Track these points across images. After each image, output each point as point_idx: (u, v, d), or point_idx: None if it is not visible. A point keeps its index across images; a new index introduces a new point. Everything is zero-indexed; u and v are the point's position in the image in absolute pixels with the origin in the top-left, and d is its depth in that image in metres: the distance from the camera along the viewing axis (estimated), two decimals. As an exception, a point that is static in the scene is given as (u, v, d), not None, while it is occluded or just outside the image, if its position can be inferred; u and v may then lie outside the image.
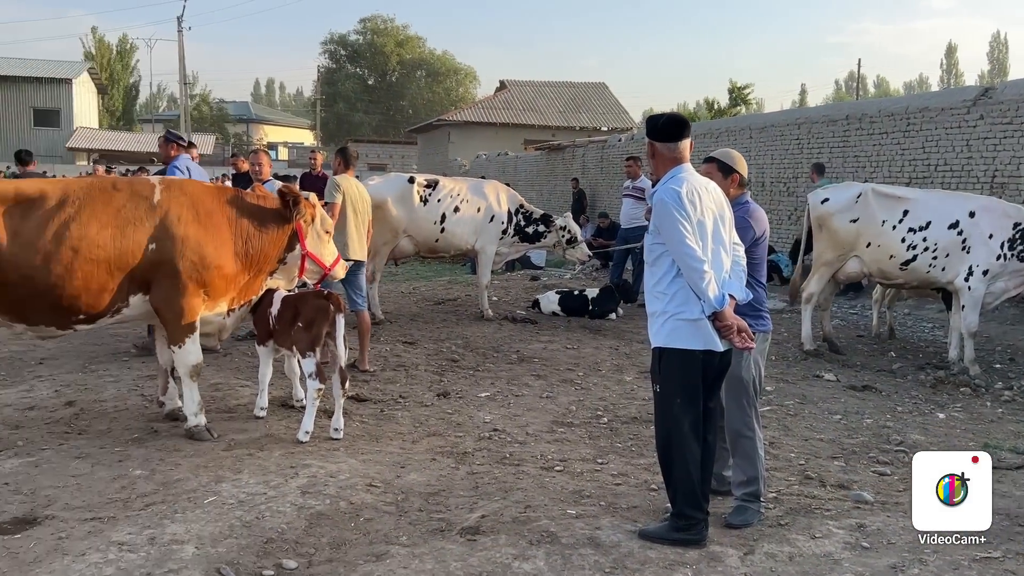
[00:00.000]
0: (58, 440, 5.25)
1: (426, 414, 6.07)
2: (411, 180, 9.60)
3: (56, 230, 4.75)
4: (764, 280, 4.37)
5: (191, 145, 7.72)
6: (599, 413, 6.23)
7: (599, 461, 5.17)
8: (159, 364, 5.75)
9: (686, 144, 3.80)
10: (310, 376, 5.24)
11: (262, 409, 5.77)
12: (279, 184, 6.17)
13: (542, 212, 10.31)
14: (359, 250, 7.40)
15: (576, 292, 10.56)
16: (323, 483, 4.55)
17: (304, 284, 6.02)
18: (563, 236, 10.12)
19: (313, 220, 5.69)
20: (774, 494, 4.58)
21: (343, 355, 5.35)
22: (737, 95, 37.74)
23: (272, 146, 57.80)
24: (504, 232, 9.96)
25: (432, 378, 7.15)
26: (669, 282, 3.71)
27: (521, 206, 10.14)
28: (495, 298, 11.18)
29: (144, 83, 66.39)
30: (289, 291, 5.77)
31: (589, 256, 10.65)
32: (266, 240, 5.48)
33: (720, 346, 3.72)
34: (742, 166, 4.34)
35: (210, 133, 52.12)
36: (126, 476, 4.60)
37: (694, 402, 3.75)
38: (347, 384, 5.43)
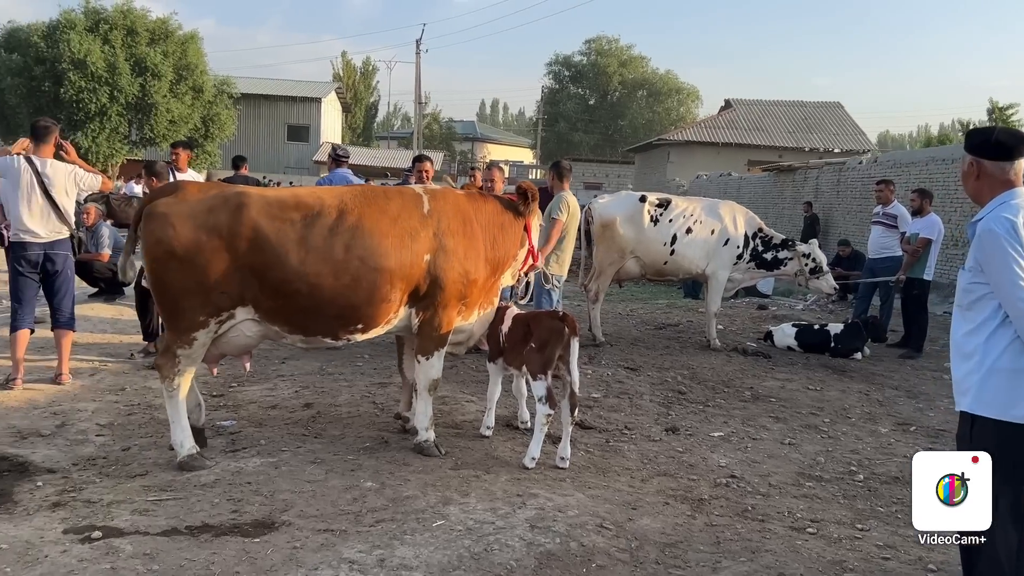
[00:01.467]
0: (296, 442, 5.37)
1: (654, 450, 5.66)
2: (642, 199, 9.22)
3: (343, 239, 4.69)
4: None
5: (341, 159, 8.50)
6: (852, 468, 5.50)
7: (859, 527, 4.50)
8: (404, 379, 5.75)
9: (1021, 164, 3.12)
10: (540, 400, 5.00)
11: (488, 428, 5.62)
12: None
13: (783, 237, 9.53)
14: (567, 267, 7.43)
15: (816, 327, 9.67)
16: (552, 518, 4.26)
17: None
18: (807, 265, 9.29)
19: (535, 213, 5.69)
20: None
21: (576, 380, 5.07)
22: (998, 116, 33.97)
23: (494, 164, 59.53)
24: (739, 257, 9.30)
25: (658, 410, 6.71)
26: (991, 332, 3.04)
27: (760, 230, 9.43)
28: (720, 327, 10.51)
29: (382, 102, 71.14)
30: (517, 305, 5.66)
31: (836, 288, 9.70)
32: (509, 241, 5.47)
33: (1056, 414, 3.01)
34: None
35: (439, 150, 54.70)
36: (358, 487, 4.58)
37: (1014, 480, 3.06)
38: (576, 411, 5.13)
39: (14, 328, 6.52)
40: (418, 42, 46.48)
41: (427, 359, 5.16)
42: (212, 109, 35.78)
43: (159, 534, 3.91)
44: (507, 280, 5.75)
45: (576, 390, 5.07)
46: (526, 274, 5.86)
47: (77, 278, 10.19)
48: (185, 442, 4.78)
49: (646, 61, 61.76)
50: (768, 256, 9.37)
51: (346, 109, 58.65)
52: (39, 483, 4.53)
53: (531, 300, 7.69)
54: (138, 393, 6.45)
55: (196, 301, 4.55)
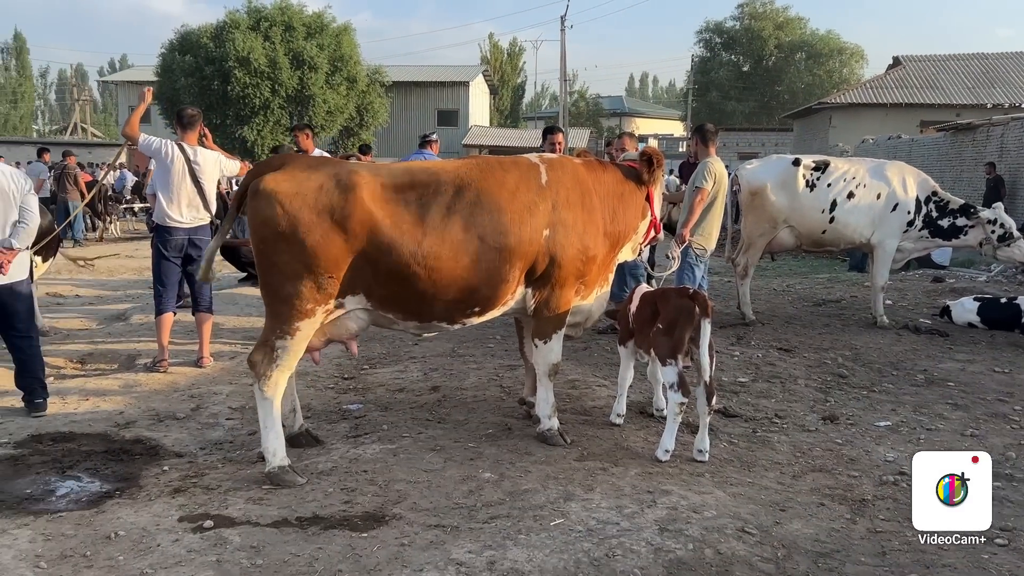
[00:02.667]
0: (418, 428, 5.17)
1: (809, 441, 5.04)
2: (796, 162, 8.40)
3: (461, 216, 4.32)
4: None
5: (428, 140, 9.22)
6: (1053, 466, 4.67)
7: (1063, 538, 3.75)
8: (527, 362, 5.37)
9: None
10: (671, 387, 4.52)
11: (619, 416, 5.20)
12: None
13: (962, 202, 8.41)
14: (714, 240, 6.80)
15: (1003, 300, 8.50)
16: (685, 519, 3.81)
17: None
18: (993, 232, 8.16)
19: (658, 182, 5.19)
20: None
21: (709, 365, 4.54)
22: None
23: (643, 138, 58.55)
24: (910, 224, 8.30)
25: (815, 396, 6.04)
26: None
27: (934, 193, 8.37)
28: (889, 302, 9.52)
29: (529, 83, 71.15)
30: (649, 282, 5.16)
31: (1030, 257, 8.49)
32: (630, 213, 5.02)
33: None
34: None
35: (585, 127, 54.08)
36: (475, 478, 4.30)
37: None
38: (714, 400, 4.61)
39: (159, 312, 6.71)
40: (563, 18, 45.77)
41: (545, 342, 4.78)
42: (365, 98, 36.85)
43: (269, 525, 3.78)
44: (626, 255, 5.27)
45: (708, 377, 4.54)
46: (651, 247, 5.36)
47: (226, 263, 10.61)
48: (278, 451, 4.29)
49: (804, 22, 58.24)
50: (944, 223, 8.30)
51: (493, 91, 59.07)
52: (165, 467, 4.55)
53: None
54: (273, 376, 6.47)
55: (304, 287, 4.20)
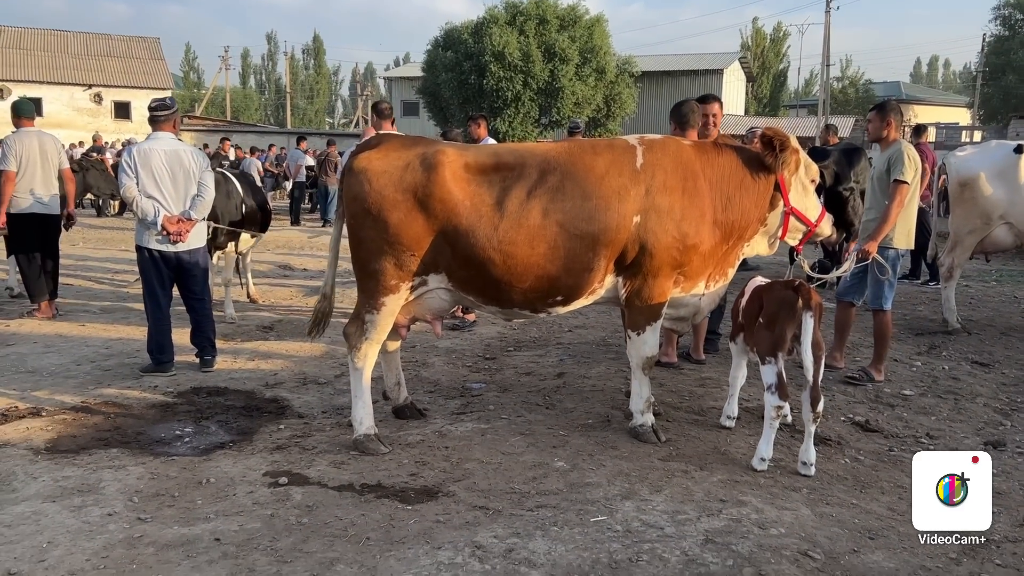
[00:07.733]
0: (521, 411, 5.16)
1: (955, 468, 4.34)
2: (1019, 149, 7.20)
3: (541, 202, 4.27)
4: None
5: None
6: None
7: None
8: None
9: None
10: (768, 389, 4.11)
11: (729, 418, 4.83)
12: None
13: None
14: (910, 238, 5.88)
15: None
16: (741, 533, 3.46)
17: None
18: None
19: (797, 168, 4.61)
20: None
21: (812, 367, 4.06)
22: None
23: (921, 128, 53.18)
24: None
25: (990, 417, 5.20)
26: None
27: None
28: None
29: (792, 69, 67.14)
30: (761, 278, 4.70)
31: None
32: (747, 201, 4.56)
33: None
34: None
35: (851, 116, 50.13)
36: (546, 466, 4.22)
37: None
38: (820, 406, 4.12)
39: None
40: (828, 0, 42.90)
41: (638, 334, 4.55)
42: (614, 89, 36.92)
43: (334, 488, 3.97)
44: (760, 249, 4.81)
45: (812, 378, 4.06)
46: (801, 241, 4.82)
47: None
48: (364, 420, 4.49)
49: None
50: None
51: (750, 78, 56.56)
52: (282, 426, 4.93)
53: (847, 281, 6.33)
54: (422, 351, 6.75)
55: (387, 263, 4.37)
